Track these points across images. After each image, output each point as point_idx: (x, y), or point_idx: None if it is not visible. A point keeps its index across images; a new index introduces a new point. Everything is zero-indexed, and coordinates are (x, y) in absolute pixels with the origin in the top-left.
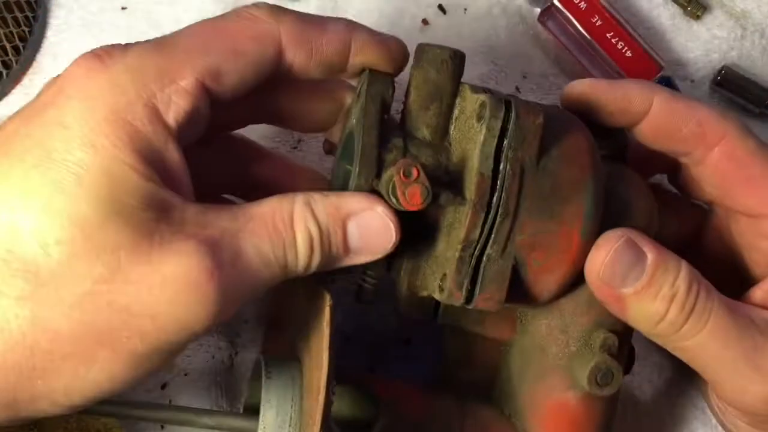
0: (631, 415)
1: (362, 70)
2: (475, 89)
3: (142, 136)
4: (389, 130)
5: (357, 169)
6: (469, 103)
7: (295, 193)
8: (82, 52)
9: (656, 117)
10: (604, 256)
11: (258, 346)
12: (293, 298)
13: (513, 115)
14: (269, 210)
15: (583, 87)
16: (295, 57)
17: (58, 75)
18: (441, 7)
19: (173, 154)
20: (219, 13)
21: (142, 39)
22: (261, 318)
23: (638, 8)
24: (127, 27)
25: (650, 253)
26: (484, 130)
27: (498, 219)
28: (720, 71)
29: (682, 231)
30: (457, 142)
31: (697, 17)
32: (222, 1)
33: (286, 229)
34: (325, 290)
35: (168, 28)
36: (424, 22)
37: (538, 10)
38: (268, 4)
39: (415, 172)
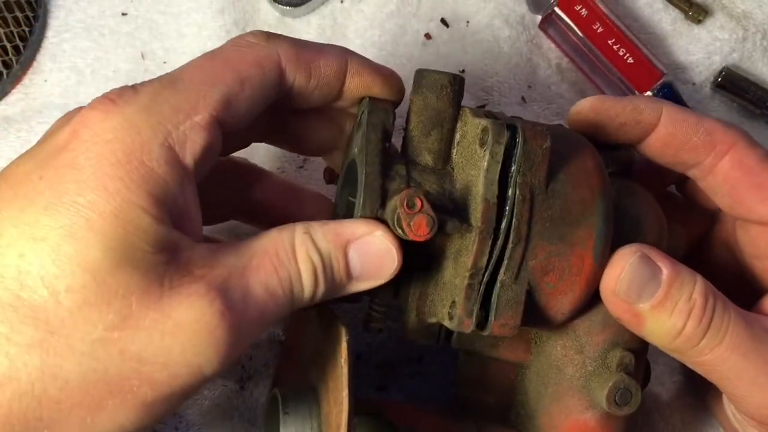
0: (641, 416)
1: (361, 99)
2: (476, 113)
3: (157, 177)
4: (391, 157)
5: (361, 200)
6: (470, 127)
7: (294, 223)
8: (82, 53)
9: (666, 127)
10: (619, 272)
11: (270, 369)
12: (307, 324)
13: (520, 140)
14: (271, 243)
15: (592, 102)
16: (295, 79)
17: (71, 114)
18: (443, 21)
19: (188, 195)
20: (219, 28)
21: (145, 48)
22: (273, 342)
23: (639, 14)
24: (128, 34)
25: (665, 267)
26: (487, 156)
27: (510, 245)
28: (720, 72)
29: (689, 239)
30: (460, 167)
31: (699, 21)
32: (222, 17)
33: (290, 260)
34: (341, 323)
35: (170, 40)
36: (427, 36)
37: (540, 17)
38: (262, 31)
39: (419, 203)
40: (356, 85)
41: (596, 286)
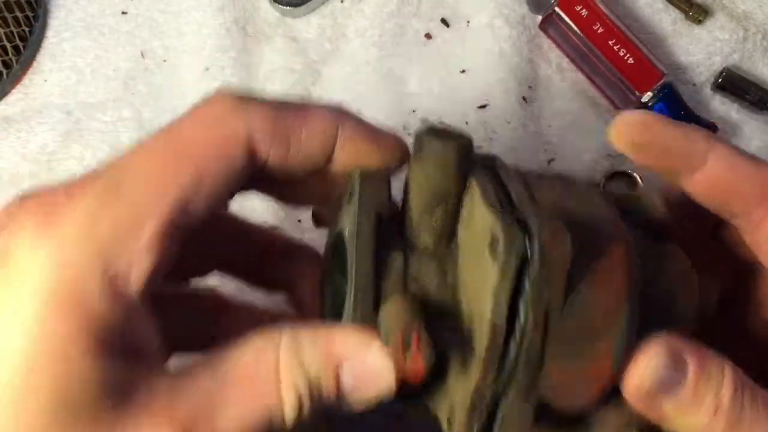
0: None
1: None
2: (487, 196)
3: (98, 315)
4: (387, 237)
5: (352, 303)
6: (478, 214)
7: (279, 331)
8: (82, 52)
9: (717, 169)
10: (643, 370)
11: None
12: None
13: (536, 247)
14: (252, 362)
15: (644, 118)
16: (271, 154)
17: (3, 219)
18: (444, 21)
19: (137, 324)
20: (219, 26)
21: (144, 46)
22: None
23: (639, 14)
24: (128, 33)
25: (692, 362)
26: (497, 272)
27: (519, 371)
28: (721, 73)
29: (721, 293)
30: (465, 249)
31: (699, 22)
32: (222, 16)
33: (271, 388)
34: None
35: (170, 39)
36: (427, 36)
37: (540, 17)
38: (234, 92)
39: (415, 341)
40: (347, 155)
41: (611, 386)
